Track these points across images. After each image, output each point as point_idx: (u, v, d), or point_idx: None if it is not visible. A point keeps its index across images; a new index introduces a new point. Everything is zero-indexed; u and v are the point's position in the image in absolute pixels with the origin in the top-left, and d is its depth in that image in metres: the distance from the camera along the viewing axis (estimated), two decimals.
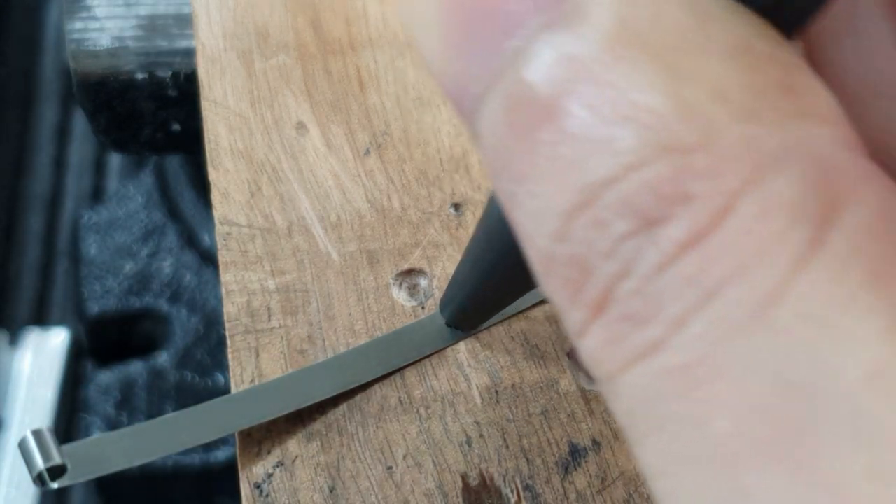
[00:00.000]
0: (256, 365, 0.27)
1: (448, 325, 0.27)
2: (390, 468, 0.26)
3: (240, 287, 0.28)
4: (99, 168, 0.70)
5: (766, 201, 0.11)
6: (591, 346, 0.12)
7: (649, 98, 0.12)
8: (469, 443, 0.26)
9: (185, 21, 0.41)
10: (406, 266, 0.29)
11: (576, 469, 0.26)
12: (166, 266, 0.58)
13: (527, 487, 0.26)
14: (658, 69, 0.12)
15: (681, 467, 0.12)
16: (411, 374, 0.27)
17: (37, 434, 0.23)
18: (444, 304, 0.27)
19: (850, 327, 0.11)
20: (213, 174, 0.30)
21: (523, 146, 0.12)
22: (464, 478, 0.26)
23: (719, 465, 0.11)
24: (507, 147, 0.13)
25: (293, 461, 0.26)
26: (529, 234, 0.13)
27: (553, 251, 0.12)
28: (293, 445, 0.26)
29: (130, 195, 0.60)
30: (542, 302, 0.28)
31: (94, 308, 0.58)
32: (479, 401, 0.27)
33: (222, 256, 0.29)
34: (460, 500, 0.25)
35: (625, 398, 0.12)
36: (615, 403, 0.12)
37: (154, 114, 0.42)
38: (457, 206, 0.30)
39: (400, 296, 0.28)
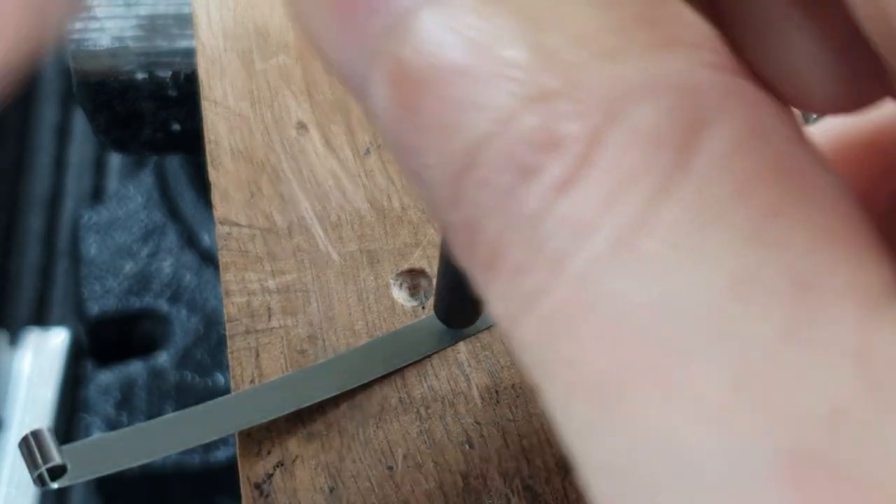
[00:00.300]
0: (256, 365, 0.27)
1: (441, 321, 0.27)
2: (391, 468, 0.26)
3: (240, 287, 0.28)
4: (99, 168, 0.70)
5: (628, 134, 0.12)
6: (492, 307, 0.13)
7: (514, 52, 0.12)
8: (469, 443, 0.26)
9: (185, 21, 0.41)
10: (406, 266, 0.29)
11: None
12: (166, 266, 0.58)
13: (527, 487, 0.26)
14: (520, 22, 0.12)
15: (573, 409, 0.12)
16: (411, 375, 0.27)
17: (37, 434, 0.23)
18: (435, 301, 0.27)
19: (713, 243, 0.11)
20: (213, 174, 0.30)
21: (411, 120, 0.13)
22: (464, 478, 0.26)
23: (601, 399, 0.11)
24: (398, 124, 0.13)
25: (293, 461, 0.26)
26: (433, 208, 0.13)
27: (450, 220, 0.13)
28: (293, 445, 0.26)
29: (130, 195, 0.60)
30: None
31: (94, 308, 0.58)
32: (479, 401, 0.27)
33: (222, 256, 0.29)
34: (460, 500, 0.25)
35: (525, 352, 0.12)
36: (521, 360, 0.13)
37: (154, 114, 0.42)
38: None
39: (400, 296, 0.28)
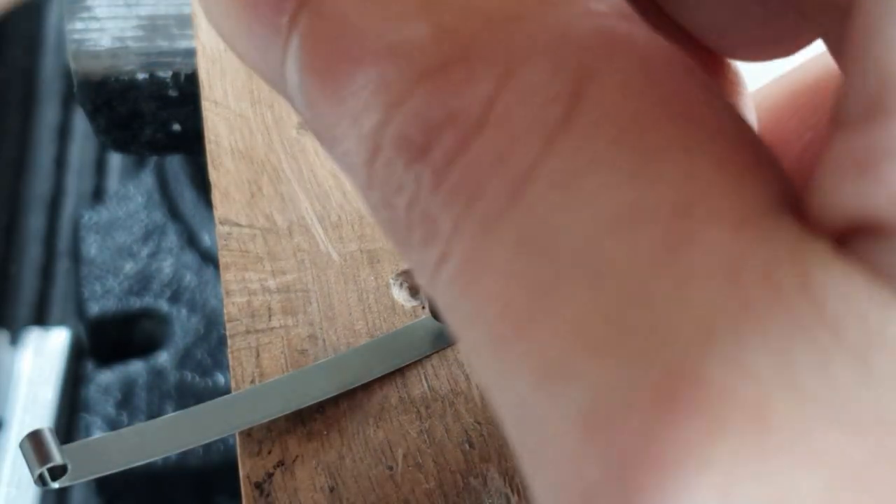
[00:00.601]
0: (257, 365, 0.27)
1: (435, 318, 0.27)
2: (391, 468, 0.26)
3: (240, 287, 0.28)
4: (99, 168, 0.70)
5: (518, 94, 0.12)
6: (418, 279, 0.13)
7: (408, 30, 0.12)
8: (470, 442, 0.26)
9: (185, 21, 0.41)
10: (406, 266, 0.29)
11: None
12: (166, 266, 0.58)
13: (528, 487, 0.26)
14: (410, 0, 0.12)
15: (479, 360, 0.12)
16: (412, 374, 0.27)
17: (38, 434, 0.23)
18: (431, 300, 0.28)
19: (592, 184, 0.11)
20: (213, 174, 0.30)
21: (328, 111, 0.13)
22: (464, 477, 0.26)
23: (496, 347, 0.12)
24: (315, 114, 0.13)
25: (293, 461, 0.26)
26: (357, 191, 0.13)
27: (369, 202, 0.13)
28: (293, 445, 0.26)
29: (131, 195, 0.60)
30: None
31: (94, 308, 0.58)
32: (479, 400, 0.27)
33: (223, 256, 0.29)
34: (461, 499, 0.25)
35: (445, 313, 0.13)
36: (446, 320, 0.13)
37: (154, 114, 0.42)
38: None
39: (400, 296, 0.28)
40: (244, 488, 0.25)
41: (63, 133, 0.71)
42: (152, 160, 0.61)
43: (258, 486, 0.25)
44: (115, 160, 0.69)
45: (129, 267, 0.58)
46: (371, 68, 0.12)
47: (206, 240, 0.58)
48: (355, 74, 0.12)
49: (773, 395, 0.10)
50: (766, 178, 0.12)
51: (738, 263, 0.11)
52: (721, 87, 0.17)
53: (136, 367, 0.57)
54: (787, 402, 0.10)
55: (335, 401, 0.26)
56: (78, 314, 0.60)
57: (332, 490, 0.25)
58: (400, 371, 0.27)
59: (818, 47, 0.16)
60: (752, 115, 0.18)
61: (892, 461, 0.10)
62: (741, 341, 0.11)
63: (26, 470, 0.24)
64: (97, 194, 0.68)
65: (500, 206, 0.12)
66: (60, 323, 0.63)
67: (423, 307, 0.28)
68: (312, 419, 0.26)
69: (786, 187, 0.12)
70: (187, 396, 0.55)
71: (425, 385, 0.27)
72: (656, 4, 0.16)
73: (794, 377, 0.10)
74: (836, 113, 0.11)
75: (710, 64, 0.17)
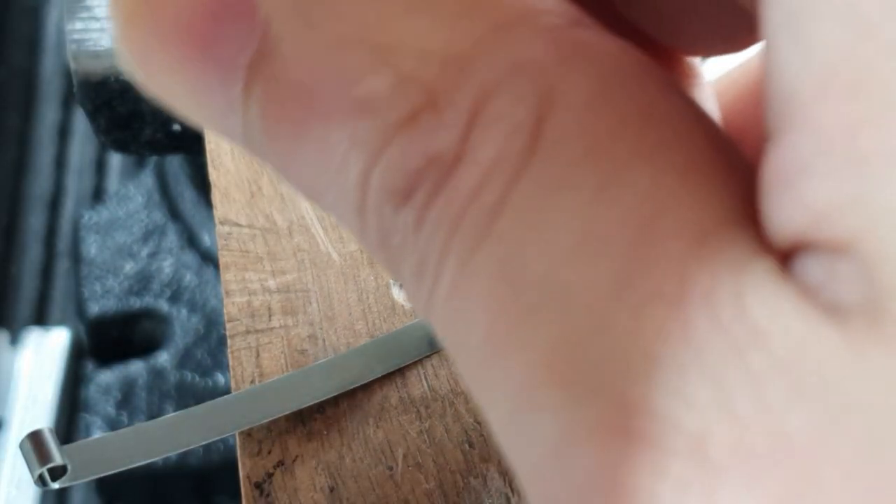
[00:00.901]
0: (257, 365, 0.27)
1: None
2: (391, 468, 0.26)
3: (240, 287, 0.28)
4: (99, 168, 0.70)
5: (485, 129, 0.12)
6: (415, 307, 0.14)
7: (369, 84, 0.12)
8: (470, 442, 0.26)
9: None
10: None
11: None
12: (167, 266, 0.58)
13: None
14: (366, 52, 0.12)
15: (468, 383, 0.13)
16: (412, 374, 0.27)
17: (37, 434, 0.23)
18: None
19: (556, 211, 0.12)
20: (213, 174, 0.30)
21: (304, 170, 0.13)
22: (464, 477, 0.26)
23: (479, 373, 0.12)
24: (294, 176, 0.13)
25: (293, 461, 0.26)
26: (354, 237, 0.14)
27: (364, 241, 0.13)
28: (293, 445, 0.26)
29: (131, 195, 0.60)
30: None
31: (94, 308, 0.58)
32: None
33: (223, 256, 0.29)
34: (461, 499, 0.25)
35: (441, 342, 0.13)
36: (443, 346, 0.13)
37: (154, 114, 0.42)
38: None
39: (400, 296, 0.28)
40: (244, 488, 0.25)
41: (63, 133, 0.71)
42: (152, 160, 0.61)
43: (258, 486, 0.25)
44: (116, 160, 0.69)
45: (129, 267, 0.58)
46: (342, 125, 0.12)
47: (206, 240, 0.58)
48: (327, 133, 0.13)
49: (712, 424, 0.10)
50: (728, 187, 0.12)
51: (686, 287, 0.11)
52: (679, 82, 0.17)
53: (137, 367, 0.57)
54: (724, 429, 0.10)
55: (335, 401, 0.26)
56: (78, 314, 0.60)
57: (332, 490, 0.25)
58: (400, 371, 0.27)
59: None
60: (713, 107, 0.18)
61: (823, 483, 0.10)
62: (682, 370, 0.11)
63: (26, 470, 0.24)
64: (97, 194, 0.68)
65: (475, 239, 0.12)
66: (60, 323, 0.63)
67: None
68: (312, 419, 0.26)
69: (746, 195, 0.12)
70: (187, 396, 0.55)
71: (425, 385, 0.27)
72: (606, 3, 0.16)
73: (729, 403, 0.10)
74: (765, 121, 0.11)
75: (664, 58, 0.17)
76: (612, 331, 0.11)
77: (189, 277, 0.58)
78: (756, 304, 0.11)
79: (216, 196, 0.30)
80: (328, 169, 0.13)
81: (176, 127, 0.43)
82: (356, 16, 0.12)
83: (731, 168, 0.12)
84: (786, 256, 0.11)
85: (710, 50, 0.17)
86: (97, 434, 0.54)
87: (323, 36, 0.12)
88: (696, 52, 0.17)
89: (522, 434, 0.12)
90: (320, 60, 0.12)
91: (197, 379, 0.56)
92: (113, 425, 0.55)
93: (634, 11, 0.16)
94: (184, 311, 0.57)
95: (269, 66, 0.13)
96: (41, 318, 0.64)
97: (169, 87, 0.14)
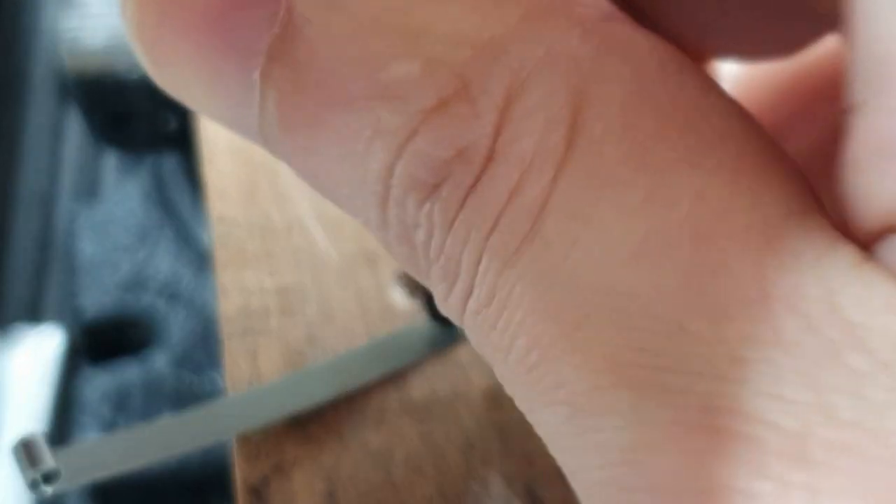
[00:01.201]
0: (254, 366, 0.27)
1: (434, 320, 0.27)
2: (390, 472, 0.25)
3: (237, 287, 0.28)
4: (94, 167, 0.69)
5: (520, 122, 0.12)
6: (444, 312, 0.13)
7: (396, 69, 0.12)
8: (470, 445, 0.26)
9: None
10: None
11: None
12: (162, 265, 0.58)
13: (529, 491, 0.25)
14: (394, 36, 0.12)
15: (511, 389, 0.13)
16: (411, 376, 0.27)
17: (29, 439, 0.23)
18: (426, 298, 0.27)
19: (608, 212, 0.11)
20: (210, 173, 0.30)
21: (322, 160, 0.13)
22: (465, 481, 0.26)
23: (526, 379, 0.12)
24: (311, 167, 0.13)
25: (291, 465, 0.25)
26: (370, 231, 0.13)
27: (384, 238, 0.13)
28: (291, 449, 0.26)
29: (126, 194, 0.60)
30: None
31: (89, 308, 0.57)
32: (480, 403, 0.27)
33: (219, 256, 0.28)
34: (461, 503, 0.25)
35: (475, 346, 0.13)
36: (474, 346, 0.13)
37: (150, 112, 0.42)
38: None
39: (399, 297, 0.28)
40: (240, 493, 0.25)
41: (57, 131, 0.70)
42: (148, 159, 0.61)
43: (255, 490, 0.25)
44: (110, 159, 0.69)
45: (124, 266, 0.58)
46: (366, 112, 0.12)
47: (202, 239, 0.58)
48: (349, 120, 0.12)
49: (813, 425, 0.10)
50: (782, 181, 0.11)
51: (766, 288, 0.11)
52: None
53: (132, 368, 0.56)
54: (825, 430, 0.10)
55: (333, 404, 0.26)
56: (72, 314, 0.59)
57: (330, 495, 0.25)
58: (399, 373, 0.27)
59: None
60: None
61: None
62: (776, 372, 0.10)
63: (18, 475, 0.23)
64: (92, 192, 0.68)
65: (517, 241, 0.12)
66: (54, 322, 0.63)
67: (422, 309, 0.28)
68: (310, 422, 0.26)
69: (803, 187, 0.12)
70: (183, 397, 0.55)
71: (425, 387, 0.27)
72: (633, 5, 0.16)
73: (830, 404, 0.10)
74: (849, 98, 0.11)
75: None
76: (689, 336, 0.11)
77: (185, 277, 0.57)
78: (847, 301, 0.10)
79: (213, 195, 0.29)
80: (348, 159, 0.12)
81: (172, 125, 0.42)
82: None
83: (780, 162, 0.12)
84: (866, 242, 0.11)
85: (739, 53, 0.17)
86: (91, 435, 0.54)
87: (349, 18, 0.12)
88: (723, 55, 0.17)
89: (584, 438, 0.11)
90: (346, 43, 0.12)
91: (193, 380, 0.56)
92: (108, 426, 0.55)
93: (659, 8, 0.16)
94: (180, 312, 0.57)
95: (289, 51, 0.12)
96: (35, 318, 0.64)
97: (182, 77, 0.13)
